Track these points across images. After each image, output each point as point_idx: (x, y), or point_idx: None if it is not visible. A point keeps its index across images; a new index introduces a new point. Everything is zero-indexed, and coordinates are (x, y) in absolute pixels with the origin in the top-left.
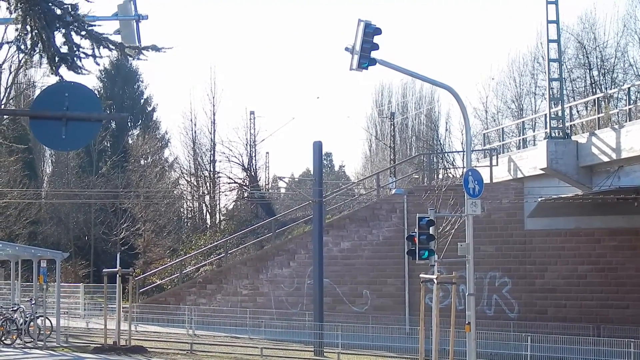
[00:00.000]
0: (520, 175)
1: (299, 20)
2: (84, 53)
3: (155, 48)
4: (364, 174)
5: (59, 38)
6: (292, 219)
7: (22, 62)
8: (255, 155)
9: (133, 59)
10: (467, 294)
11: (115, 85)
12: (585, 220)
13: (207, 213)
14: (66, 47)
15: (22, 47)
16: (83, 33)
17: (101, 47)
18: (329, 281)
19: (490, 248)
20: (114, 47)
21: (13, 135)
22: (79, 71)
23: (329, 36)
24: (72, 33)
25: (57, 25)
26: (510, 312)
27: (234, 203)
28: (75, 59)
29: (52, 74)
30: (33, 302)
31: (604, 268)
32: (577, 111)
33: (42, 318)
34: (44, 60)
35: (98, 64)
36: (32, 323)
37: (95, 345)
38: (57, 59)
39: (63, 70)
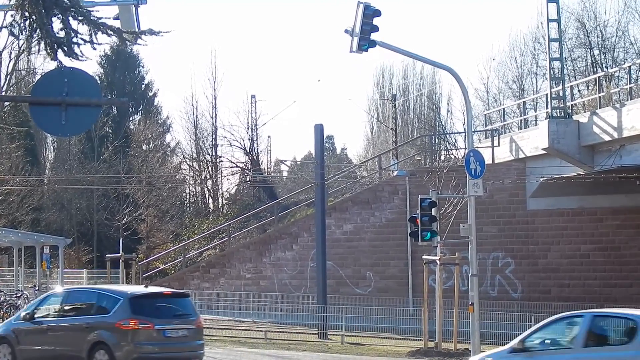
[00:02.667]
0: (522, 155)
1: (299, 2)
2: (81, 39)
3: (152, 32)
4: (365, 156)
5: (57, 24)
6: (294, 202)
7: (21, 48)
8: (257, 139)
9: (131, 44)
10: (470, 274)
11: (116, 70)
12: (588, 200)
13: (210, 197)
14: (64, 32)
15: (21, 33)
16: (81, 18)
17: (99, 32)
18: (332, 264)
19: (493, 229)
20: (112, 33)
21: (14, 121)
22: (77, 57)
23: (329, 18)
24: (70, 18)
25: (55, 10)
26: (514, 292)
27: (236, 187)
28: (73, 45)
29: (50, 59)
30: (36, 288)
31: (607, 247)
32: (579, 91)
33: None
34: (42, 47)
35: (95, 49)
36: None
37: None
38: (55, 45)
39: (61, 56)
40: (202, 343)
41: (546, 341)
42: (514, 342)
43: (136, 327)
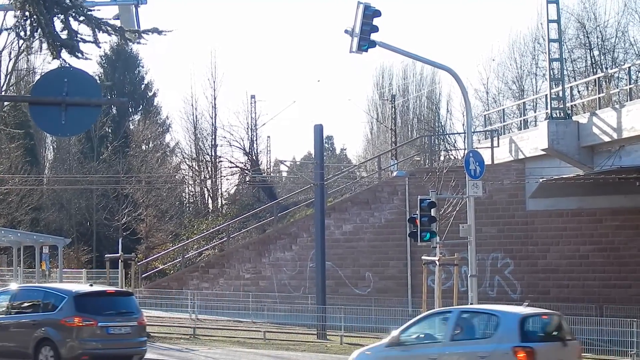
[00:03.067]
0: (522, 156)
1: (299, 3)
2: (82, 39)
3: (155, 31)
4: (365, 156)
5: (58, 24)
6: (294, 203)
7: (22, 48)
8: (256, 139)
9: (133, 43)
10: (469, 275)
11: (115, 70)
12: (587, 201)
13: (209, 197)
14: (65, 32)
15: (22, 33)
16: (82, 18)
17: (101, 31)
18: (331, 264)
19: (492, 229)
20: (113, 32)
21: (14, 121)
22: (80, 56)
23: (329, 19)
24: (71, 18)
25: (56, 10)
26: (513, 293)
27: (235, 187)
28: (76, 43)
29: (53, 59)
30: None
31: (606, 248)
32: (578, 91)
33: None
34: (44, 46)
35: (100, 47)
36: None
37: None
38: (58, 44)
39: (64, 54)
40: (144, 340)
41: (420, 335)
42: (390, 336)
43: (80, 324)
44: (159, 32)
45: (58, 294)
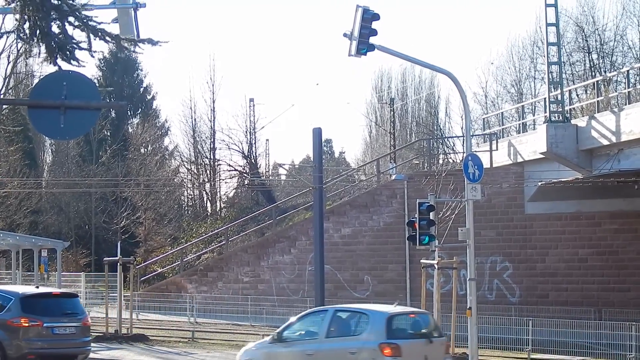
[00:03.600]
0: (520, 159)
1: (297, 6)
2: (78, 45)
3: (151, 41)
4: (364, 160)
5: (54, 29)
6: (292, 206)
7: (20, 51)
8: (255, 143)
9: (129, 53)
10: (468, 278)
11: (114, 73)
12: (586, 204)
13: (208, 201)
14: (62, 37)
15: (22, 36)
16: (77, 24)
17: (97, 38)
18: (330, 267)
19: (491, 233)
20: (110, 39)
21: (12, 124)
22: (76, 63)
23: (327, 22)
24: (67, 24)
25: (54, 15)
26: (512, 296)
27: (234, 190)
28: (73, 49)
29: (49, 63)
30: None
31: (605, 251)
32: (577, 95)
33: None
34: (42, 50)
35: (93, 57)
36: None
37: (97, 334)
38: (54, 48)
39: (60, 61)
40: (88, 340)
41: (300, 332)
42: (274, 333)
43: (26, 324)
44: (154, 43)
45: (5, 296)
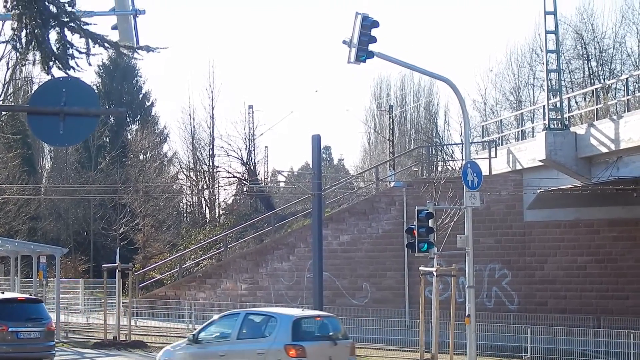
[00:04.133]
0: (519, 167)
1: (296, 13)
2: (77, 51)
3: (149, 49)
4: (363, 167)
5: (53, 36)
6: (291, 213)
7: (19, 58)
8: (254, 150)
9: (128, 59)
10: (466, 286)
11: (113, 80)
12: (585, 212)
13: (207, 207)
14: (60, 45)
15: (17, 45)
16: (78, 32)
17: (96, 45)
18: (329, 274)
19: (490, 240)
20: (109, 46)
21: (11, 130)
22: (71, 72)
23: (326, 29)
24: (67, 31)
25: (52, 23)
26: (510, 304)
27: (233, 197)
28: (68, 58)
29: (44, 72)
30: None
31: (604, 259)
32: (576, 102)
33: None
34: (38, 59)
35: (91, 64)
36: None
37: (95, 341)
38: (50, 56)
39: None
40: (53, 344)
41: (215, 334)
42: (190, 335)
43: None
44: (153, 50)
45: None
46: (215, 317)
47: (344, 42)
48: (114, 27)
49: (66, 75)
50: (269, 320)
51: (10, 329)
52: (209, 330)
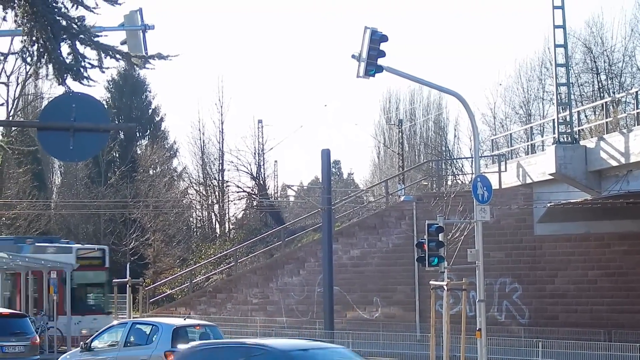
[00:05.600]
0: (529, 180)
1: (305, 28)
2: (89, 63)
3: (160, 56)
4: (372, 181)
5: (65, 49)
6: (301, 227)
7: (29, 73)
8: (263, 164)
9: (140, 68)
10: (477, 300)
11: (123, 95)
12: (595, 225)
13: (217, 222)
14: (72, 57)
15: (29, 58)
16: (89, 43)
17: (108, 57)
18: (339, 289)
19: (500, 254)
20: (120, 57)
21: (21, 146)
22: (85, 82)
23: (335, 44)
24: (78, 43)
25: (64, 36)
26: (521, 317)
27: (243, 212)
28: (81, 69)
29: (58, 84)
30: (43, 313)
31: (614, 273)
32: (586, 116)
33: (53, 329)
34: (51, 72)
35: (104, 72)
36: (42, 334)
37: None
38: (63, 69)
39: (69, 81)
40: (37, 358)
41: (105, 342)
42: (83, 343)
43: None
44: (164, 57)
45: None
46: (107, 326)
47: (353, 56)
48: (123, 42)
49: (80, 87)
50: (152, 328)
51: None
52: (102, 337)
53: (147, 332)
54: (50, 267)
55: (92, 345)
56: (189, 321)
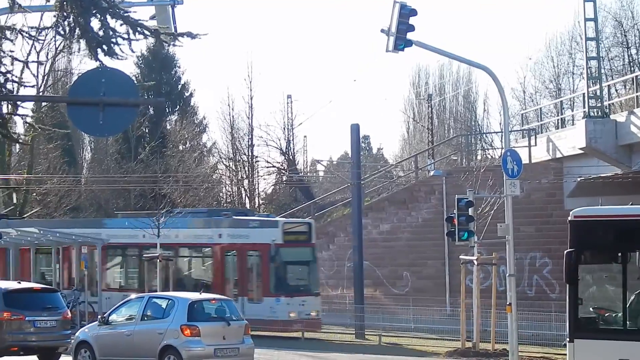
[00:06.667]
0: (559, 155)
1: (334, 2)
2: (120, 37)
3: (190, 35)
4: (402, 156)
5: (95, 24)
6: (331, 202)
7: (59, 48)
8: (293, 139)
9: (168, 46)
10: (507, 274)
11: (152, 71)
12: (625, 199)
13: (246, 197)
14: (102, 32)
15: (62, 32)
16: (118, 19)
17: (137, 33)
18: (369, 263)
19: (530, 229)
20: (149, 34)
21: (51, 122)
22: (116, 57)
23: (365, 18)
24: (109, 17)
25: (93, 11)
26: (552, 292)
27: (272, 187)
28: (112, 44)
29: (91, 59)
30: (75, 288)
31: None
32: (616, 90)
33: (85, 304)
34: (82, 47)
35: (134, 51)
36: (74, 309)
37: None
38: (94, 44)
39: (101, 56)
40: (69, 333)
41: (123, 316)
42: (100, 317)
43: (9, 318)
44: (193, 36)
45: None
46: (124, 300)
47: (382, 30)
48: (152, 17)
49: (112, 61)
50: (168, 302)
51: (27, 318)
52: (120, 311)
53: (164, 306)
54: (81, 242)
55: (109, 319)
56: (204, 295)
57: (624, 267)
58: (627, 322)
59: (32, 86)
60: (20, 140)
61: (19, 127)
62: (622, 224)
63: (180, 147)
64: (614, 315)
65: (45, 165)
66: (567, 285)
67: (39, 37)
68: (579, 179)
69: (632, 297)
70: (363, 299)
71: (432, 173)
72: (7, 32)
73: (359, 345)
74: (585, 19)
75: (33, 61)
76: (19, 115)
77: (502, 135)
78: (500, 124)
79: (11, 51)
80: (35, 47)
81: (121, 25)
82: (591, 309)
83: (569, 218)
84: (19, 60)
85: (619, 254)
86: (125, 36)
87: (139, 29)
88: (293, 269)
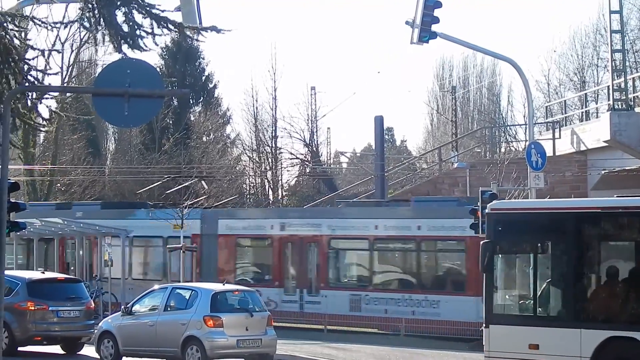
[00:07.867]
0: (584, 147)
1: None
2: (144, 31)
3: (215, 29)
4: (425, 148)
5: (119, 17)
6: (354, 194)
7: (84, 39)
8: (316, 131)
9: (192, 40)
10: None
11: (176, 62)
12: None
13: (270, 189)
14: (127, 25)
15: (86, 23)
16: (143, 12)
17: (160, 27)
18: None
19: None
20: (173, 27)
21: (76, 113)
22: (141, 49)
23: (389, 10)
24: (133, 11)
25: (118, 3)
26: None
27: (296, 179)
28: (136, 37)
29: (115, 51)
30: (98, 278)
31: None
32: None
33: (108, 294)
34: (106, 39)
35: (157, 44)
36: (96, 299)
37: None
38: (119, 37)
39: (124, 48)
40: (92, 323)
41: (146, 306)
42: (124, 307)
43: (32, 308)
44: (218, 31)
45: (12, 280)
46: (147, 290)
47: (407, 22)
48: (177, 9)
49: (135, 54)
50: (192, 293)
51: (50, 308)
52: (143, 302)
53: (187, 297)
54: (104, 232)
55: (132, 309)
56: (228, 286)
57: (535, 257)
58: (538, 309)
59: (56, 73)
60: (44, 128)
61: (44, 115)
62: (535, 216)
63: (204, 139)
64: (526, 302)
65: (69, 156)
66: (484, 274)
67: (62, 28)
68: (603, 172)
69: (543, 286)
70: None
71: (455, 165)
72: (31, 23)
73: (382, 337)
74: (610, 12)
75: (57, 50)
76: (43, 103)
77: (526, 127)
78: (524, 116)
79: (33, 44)
80: (59, 37)
81: (145, 17)
82: (505, 297)
83: (486, 210)
84: (42, 50)
85: (531, 245)
86: (150, 30)
87: (162, 22)
88: None
